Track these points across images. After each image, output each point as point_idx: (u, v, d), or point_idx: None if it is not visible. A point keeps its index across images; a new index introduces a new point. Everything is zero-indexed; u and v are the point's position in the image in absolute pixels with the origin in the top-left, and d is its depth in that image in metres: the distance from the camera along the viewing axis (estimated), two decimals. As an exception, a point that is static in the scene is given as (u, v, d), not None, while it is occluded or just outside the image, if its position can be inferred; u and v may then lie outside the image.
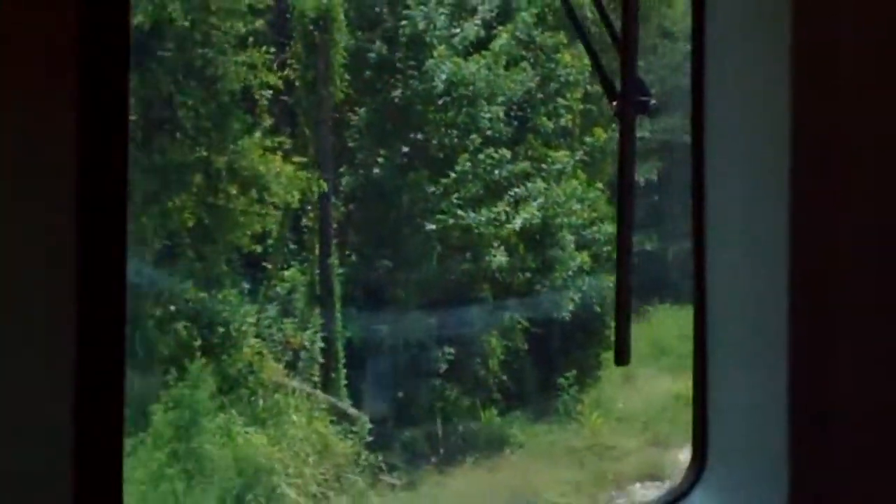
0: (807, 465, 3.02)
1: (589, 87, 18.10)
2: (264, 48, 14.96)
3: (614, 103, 3.52)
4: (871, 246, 3.05)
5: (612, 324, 3.60)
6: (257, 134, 14.79)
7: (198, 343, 14.48)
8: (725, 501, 3.31)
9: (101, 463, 2.70)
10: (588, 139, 18.39)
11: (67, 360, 2.64)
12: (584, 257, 17.66)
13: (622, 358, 3.52)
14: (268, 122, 15.16)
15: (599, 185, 18.29)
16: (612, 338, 3.62)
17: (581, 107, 18.39)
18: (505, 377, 17.94)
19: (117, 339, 2.72)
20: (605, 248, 17.53)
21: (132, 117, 14.25)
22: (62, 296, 2.64)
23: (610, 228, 17.05)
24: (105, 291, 2.69)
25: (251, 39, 14.72)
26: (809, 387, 3.03)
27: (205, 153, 14.41)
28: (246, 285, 15.49)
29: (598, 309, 17.94)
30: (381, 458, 15.63)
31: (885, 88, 3.03)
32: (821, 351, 3.03)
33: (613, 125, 15.73)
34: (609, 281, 17.13)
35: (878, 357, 3.05)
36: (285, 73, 15.15)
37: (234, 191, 14.43)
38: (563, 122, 18.16)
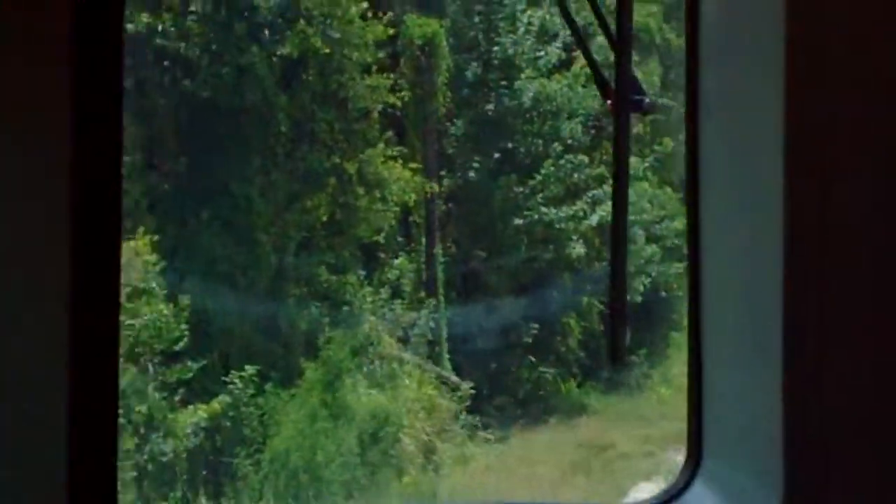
0: (802, 464, 2.96)
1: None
2: (384, 74, 17.43)
3: (609, 101, 3.53)
4: (867, 245, 2.98)
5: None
6: (380, 145, 17.34)
7: (327, 319, 17.08)
8: (721, 499, 3.28)
9: (96, 463, 2.67)
10: (658, 147, 20.55)
11: (62, 361, 2.62)
12: (653, 249, 19.64)
13: (617, 357, 4.17)
14: (387, 134, 17.67)
15: (668, 187, 20.47)
16: (609, 338, 4.27)
17: (650, 118, 20.30)
18: (582, 353, 19.83)
19: (111, 339, 2.70)
20: (673, 242, 19.71)
21: (282, 129, 16.80)
22: (56, 295, 2.62)
23: (678, 224, 19.17)
24: (100, 291, 2.67)
25: (374, 66, 17.21)
26: (805, 385, 2.97)
27: (338, 160, 16.93)
28: (362, 272, 17.99)
29: (666, 294, 20.15)
30: (477, 418, 17.91)
31: (883, 88, 2.95)
32: (816, 349, 2.97)
33: (680, 135, 17.55)
34: (677, 268, 19.31)
35: (873, 356, 2.98)
36: (401, 93, 17.64)
37: (361, 192, 16.96)
38: (634, 131, 20.22)
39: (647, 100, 3.78)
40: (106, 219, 2.67)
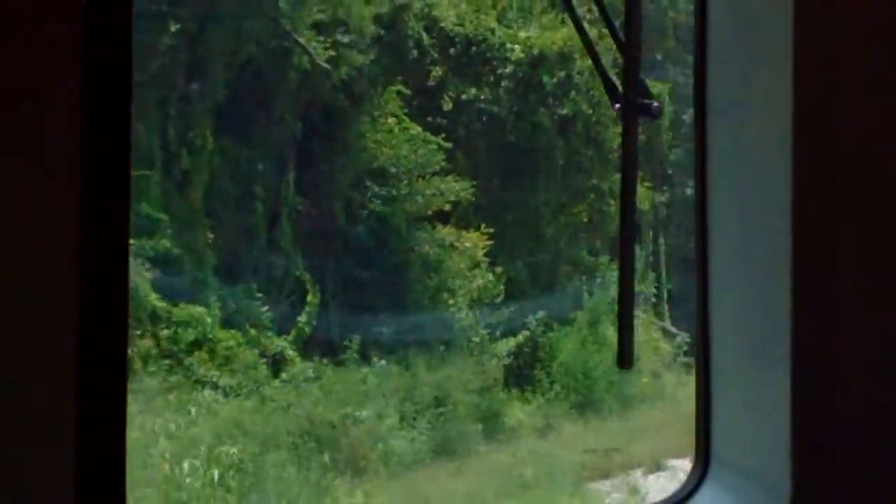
0: (809, 470, 2.91)
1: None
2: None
3: (617, 106, 3.37)
4: (873, 248, 2.91)
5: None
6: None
7: (588, 285, 23.06)
8: None
9: (104, 461, 2.61)
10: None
11: (69, 359, 2.56)
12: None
13: (625, 361, 3.39)
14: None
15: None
16: (618, 343, 3.40)
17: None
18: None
19: (120, 338, 2.62)
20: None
21: (559, 162, 22.98)
22: (64, 296, 2.55)
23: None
24: (108, 290, 2.60)
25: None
26: (812, 391, 2.91)
27: (595, 181, 23.10)
28: (609, 256, 23.46)
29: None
30: (691, 360, 22.05)
31: (891, 86, 2.89)
32: (823, 355, 2.91)
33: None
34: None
35: (880, 360, 2.94)
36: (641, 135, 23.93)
37: (611, 202, 22.90)
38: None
39: (656, 104, 3.38)
40: (115, 218, 2.59)
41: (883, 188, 2.90)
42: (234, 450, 16.50)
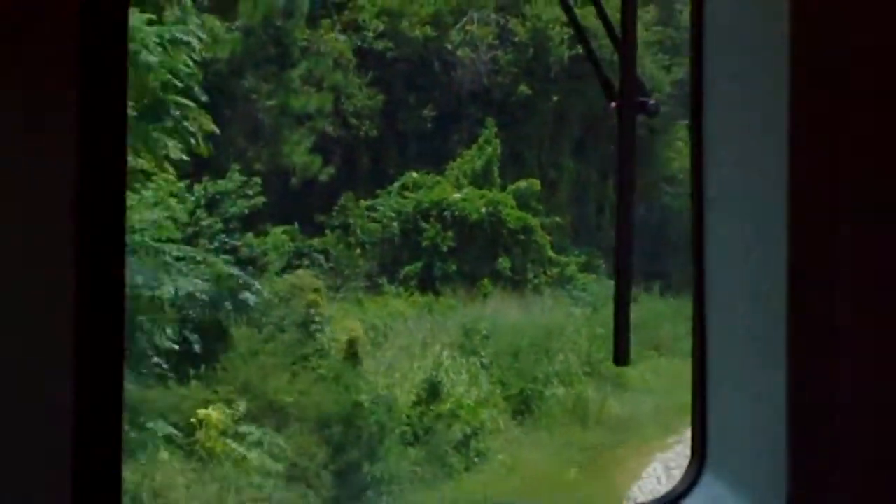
0: (806, 466, 2.92)
1: None
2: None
3: (613, 104, 3.40)
4: (871, 246, 2.92)
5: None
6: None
7: None
8: (725, 502, 3.23)
9: (101, 461, 2.62)
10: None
11: (66, 358, 2.58)
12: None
13: (621, 358, 3.47)
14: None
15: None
16: (614, 339, 3.46)
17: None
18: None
19: (116, 338, 2.64)
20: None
21: None
22: (61, 295, 2.58)
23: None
24: (104, 290, 2.62)
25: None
26: (809, 387, 2.92)
27: None
28: None
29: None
30: None
31: (886, 86, 2.90)
32: (820, 351, 2.91)
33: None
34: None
35: (879, 360, 2.94)
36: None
37: None
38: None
39: (652, 101, 3.47)
40: (111, 216, 2.62)
41: (882, 187, 2.96)
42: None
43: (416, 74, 27.49)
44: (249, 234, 18.97)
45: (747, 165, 3.17)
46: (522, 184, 25.23)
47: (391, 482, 14.94)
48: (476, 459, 16.79)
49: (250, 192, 19.44)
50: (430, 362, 18.33)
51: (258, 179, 20.23)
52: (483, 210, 24.45)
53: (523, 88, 27.56)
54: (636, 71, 3.41)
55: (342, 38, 26.92)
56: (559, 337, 21.36)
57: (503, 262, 23.97)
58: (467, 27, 27.94)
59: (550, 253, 24.63)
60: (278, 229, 20.47)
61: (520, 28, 27.97)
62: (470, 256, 23.70)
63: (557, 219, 25.62)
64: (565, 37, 27.36)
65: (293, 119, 25.23)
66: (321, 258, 22.17)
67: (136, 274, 14.01)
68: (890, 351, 2.95)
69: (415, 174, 25.46)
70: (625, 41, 3.39)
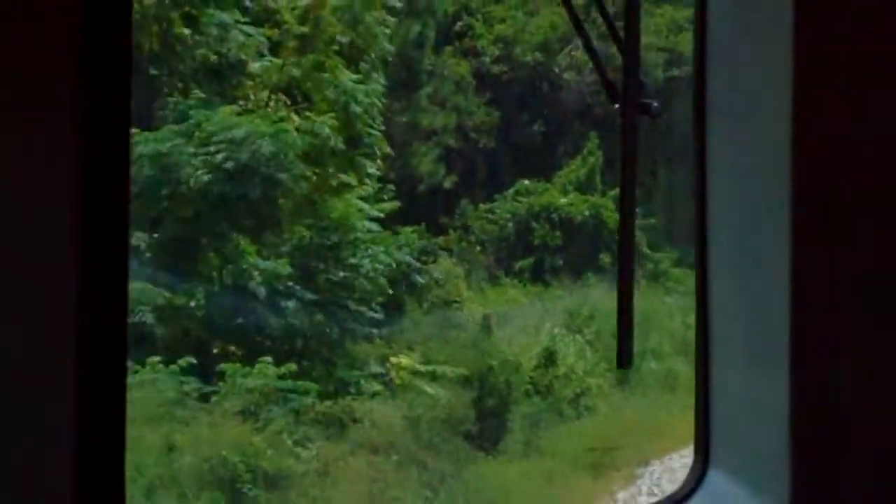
0: (808, 470, 2.87)
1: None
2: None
3: (616, 105, 3.31)
4: (872, 247, 2.86)
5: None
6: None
7: None
8: (729, 501, 3.20)
9: (104, 464, 2.55)
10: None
11: (69, 361, 2.50)
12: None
13: (624, 361, 3.40)
14: None
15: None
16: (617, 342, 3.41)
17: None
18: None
19: (119, 336, 2.56)
20: None
21: None
22: (63, 295, 2.51)
23: None
24: (107, 290, 2.55)
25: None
26: (811, 392, 2.86)
27: None
28: None
29: None
30: None
31: (891, 90, 2.84)
32: (822, 356, 2.86)
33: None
34: None
35: (880, 363, 2.88)
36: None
37: None
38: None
39: (655, 103, 3.25)
40: (114, 216, 2.54)
41: (882, 188, 2.87)
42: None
43: (527, 94, 29.07)
44: (387, 233, 21.75)
45: (750, 169, 3.06)
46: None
47: (519, 421, 19.05)
48: (585, 412, 20.36)
49: (385, 197, 22.10)
50: (544, 338, 21.67)
51: (392, 186, 22.73)
52: (586, 213, 26.53)
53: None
54: (639, 73, 3.33)
55: (463, 62, 28.57)
56: (653, 321, 23.60)
57: (604, 258, 26.00)
58: (572, 53, 29.12)
59: (646, 250, 26.39)
60: (408, 229, 22.31)
61: (619, 54, 29.40)
62: (575, 253, 25.91)
63: (652, 220, 27.05)
64: (660, 61, 28.40)
65: (421, 134, 27.37)
66: (445, 254, 24.36)
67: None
68: (891, 350, 2.85)
69: (526, 182, 27.27)
70: (628, 43, 3.31)
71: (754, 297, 3.07)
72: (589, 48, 3.63)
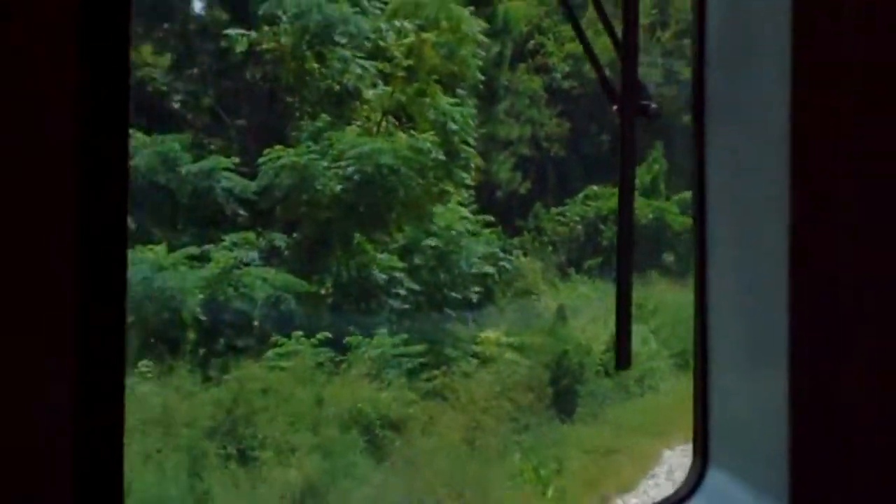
0: (808, 470, 2.85)
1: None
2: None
3: (615, 107, 3.31)
4: (874, 250, 2.84)
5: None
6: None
7: None
8: (729, 499, 3.19)
9: (102, 462, 2.54)
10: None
11: (66, 361, 2.49)
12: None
13: (623, 361, 3.45)
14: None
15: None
16: (615, 342, 3.47)
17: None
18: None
19: (118, 336, 2.55)
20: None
21: None
22: (61, 293, 2.49)
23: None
24: (106, 287, 2.54)
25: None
26: (811, 391, 2.85)
27: None
28: None
29: None
30: None
31: (890, 91, 2.82)
32: (822, 355, 2.84)
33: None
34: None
35: (880, 362, 2.86)
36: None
37: None
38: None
39: (654, 105, 3.21)
40: (113, 215, 2.52)
41: (882, 188, 2.81)
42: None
43: (595, 107, 30.04)
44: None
45: (749, 168, 3.05)
46: (685, 195, 27.93)
47: (590, 397, 21.98)
48: (648, 390, 23.12)
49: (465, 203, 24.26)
50: (612, 326, 24.33)
51: (472, 192, 24.41)
52: (651, 216, 28.00)
53: (685, 118, 29.12)
54: (637, 74, 3.33)
55: (536, 78, 30.20)
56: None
57: (667, 257, 27.79)
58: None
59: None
60: (486, 230, 23.97)
61: (684, 70, 30.03)
62: (640, 252, 26.62)
63: (699, 218, 29.45)
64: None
65: (499, 144, 29.08)
66: (520, 253, 26.31)
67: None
68: (892, 359, 2.84)
69: (595, 187, 28.77)
70: (626, 44, 3.31)
71: (754, 296, 3.06)
72: (589, 50, 3.72)
